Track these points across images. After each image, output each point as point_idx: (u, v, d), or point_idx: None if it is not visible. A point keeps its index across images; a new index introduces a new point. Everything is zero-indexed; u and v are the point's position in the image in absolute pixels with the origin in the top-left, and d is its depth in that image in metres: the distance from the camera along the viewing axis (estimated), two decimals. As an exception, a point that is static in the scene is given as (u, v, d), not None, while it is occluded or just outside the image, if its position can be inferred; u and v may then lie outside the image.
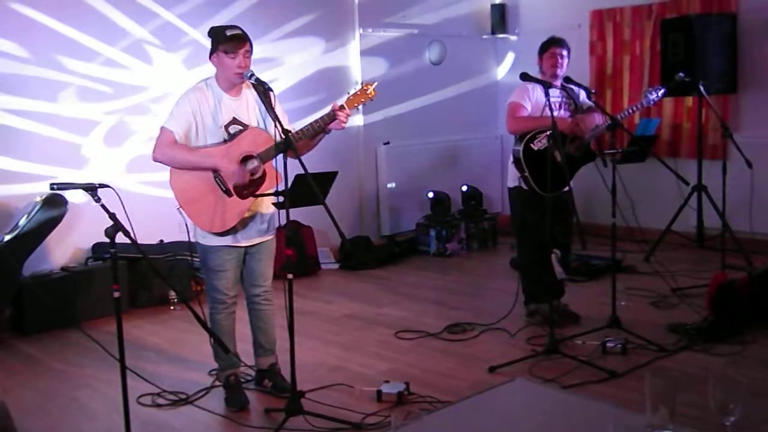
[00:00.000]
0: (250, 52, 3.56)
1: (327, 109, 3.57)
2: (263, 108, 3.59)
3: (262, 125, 3.65)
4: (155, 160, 3.59)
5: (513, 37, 8.04)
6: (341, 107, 3.52)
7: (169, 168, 3.59)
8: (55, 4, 5.30)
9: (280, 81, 6.38)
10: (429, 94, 7.58)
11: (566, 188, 4.58)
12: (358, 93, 3.59)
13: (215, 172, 3.55)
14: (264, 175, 3.59)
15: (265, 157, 3.54)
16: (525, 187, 4.59)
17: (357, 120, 7.00)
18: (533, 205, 4.53)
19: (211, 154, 3.54)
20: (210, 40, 3.60)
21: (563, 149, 4.38)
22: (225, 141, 3.58)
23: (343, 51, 6.91)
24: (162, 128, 3.57)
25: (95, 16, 5.49)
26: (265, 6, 6.35)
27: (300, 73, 6.61)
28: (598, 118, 4.64)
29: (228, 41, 3.50)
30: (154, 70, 5.81)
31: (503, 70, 8.21)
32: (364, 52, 7.02)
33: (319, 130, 3.55)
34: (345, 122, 3.55)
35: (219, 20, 5.85)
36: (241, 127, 3.61)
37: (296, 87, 6.56)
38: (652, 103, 4.87)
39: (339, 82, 6.81)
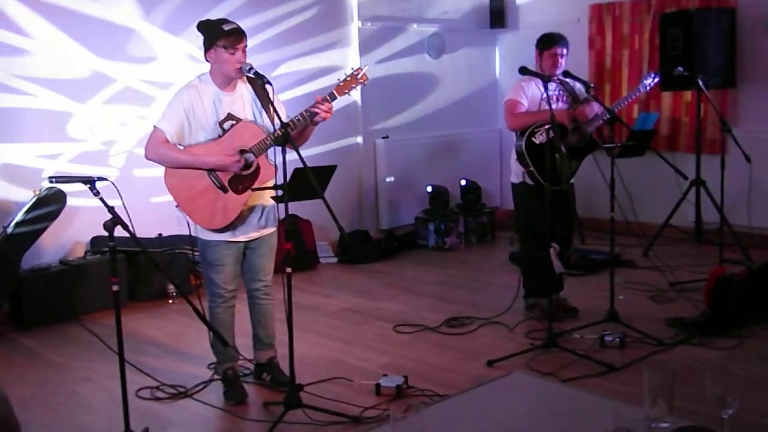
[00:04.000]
0: (246, 46, 3.56)
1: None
2: (260, 102, 3.58)
3: (258, 119, 3.64)
4: (147, 158, 3.59)
5: (512, 31, 8.02)
6: (323, 99, 3.50)
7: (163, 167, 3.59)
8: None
9: (277, 75, 6.36)
10: (427, 87, 7.56)
11: (571, 180, 4.59)
12: (349, 78, 3.57)
13: (212, 170, 3.55)
14: (258, 168, 3.58)
15: (259, 150, 3.53)
16: (530, 182, 4.59)
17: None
18: (539, 200, 4.53)
19: (205, 154, 3.53)
20: (203, 34, 3.56)
21: (564, 141, 4.40)
22: (219, 137, 3.57)
23: (341, 44, 6.89)
24: (154, 127, 3.57)
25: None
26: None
27: (298, 66, 6.59)
28: (596, 107, 4.66)
29: (227, 36, 3.48)
30: (154, 65, 5.79)
31: (502, 64, 8.19)
32: (363, 46, 7.00)
33: (306, 122, 3.53)
34: (325, 115, 3.50)
35: (219, 12, 5.82)
36: (235, 123, 3.59)
37: (293, 80, 6.53)
38: (648, 88, 4.91)
39: (336, 75, 6.78)
